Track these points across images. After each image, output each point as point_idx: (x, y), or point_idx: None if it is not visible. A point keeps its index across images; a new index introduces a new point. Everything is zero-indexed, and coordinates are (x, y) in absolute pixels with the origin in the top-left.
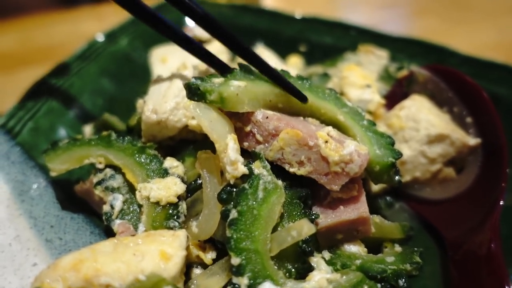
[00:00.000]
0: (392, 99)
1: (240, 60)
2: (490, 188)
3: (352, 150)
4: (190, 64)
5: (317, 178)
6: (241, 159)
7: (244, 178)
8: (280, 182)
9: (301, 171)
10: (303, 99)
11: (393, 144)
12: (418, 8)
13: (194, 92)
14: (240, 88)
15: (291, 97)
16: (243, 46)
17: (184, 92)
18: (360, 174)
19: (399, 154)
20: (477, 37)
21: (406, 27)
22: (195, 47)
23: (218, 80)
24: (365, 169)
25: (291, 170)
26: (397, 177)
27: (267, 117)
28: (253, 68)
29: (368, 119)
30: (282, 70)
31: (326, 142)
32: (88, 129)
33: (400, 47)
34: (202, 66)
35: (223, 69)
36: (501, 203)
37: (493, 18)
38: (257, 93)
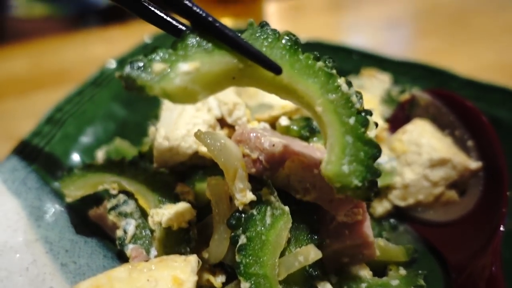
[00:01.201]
0: (395, 122)
1: None
2: (492, 211)
3: None
4: None
5: (322, 204)
6: (249, 186)
7: (252, 204)
8: (287, 208)
9: (307, 198)
10: (277, 70)
11: (376, 157)
12: (420, 29)
13: (131, 86)
14: (189, 77)
15: (261, 70)
16: (189, 9)
17: (195, 120)
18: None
19: (374, 174)
20: (477, 57)
21: (408, 48)
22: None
23: (159, 67)
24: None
25: (297, 196)
26: (368, 195)
27: (273, 145)
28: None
29: (360, 115)
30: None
31: None
32: (100, 154)
33: (402, 70)
34: (218, 96)
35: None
36: (502, 228)
37: (493, 38)
38: (215, 74)
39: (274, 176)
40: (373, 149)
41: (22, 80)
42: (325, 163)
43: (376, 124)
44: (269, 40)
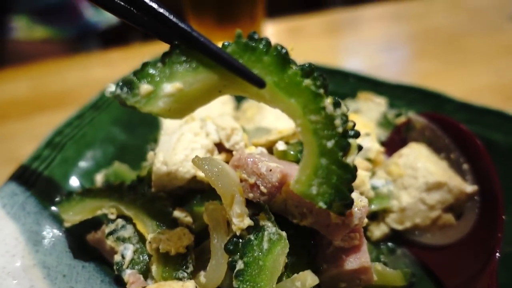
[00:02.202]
0: (391, 145)
1: None
2: (488, 235)
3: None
4: (198, 116)
5: (319, 229)
6: (246, 211)
7: (249, 229)
8: (284, 233)
9: (304, 222)
10: (260, 84)
11: (349, 182)
12: (416, 51)
13: (124, 104)
14: (172, 98)
15: (245, 83)
16: (175, 24)
17: (193, 144)
18: (361, 224)
19: (343, 199)
20: (474, 79)
21: (404, 70)
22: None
23: (145, 89)
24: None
25: (294, 221)
26: (345, 211)
27: (270, 170)
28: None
29: (341, 138)
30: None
31: None
32: (99, 178)
33: (397, 94)
34: (216, 121)
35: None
36: (497, 254)
37: (489, 60)
38: (199, 91)
39: (272, 201)
40: (348, 174)
41: (23, 102)
42: (294, 182)
43: (360, 148)
44: (256, 53)
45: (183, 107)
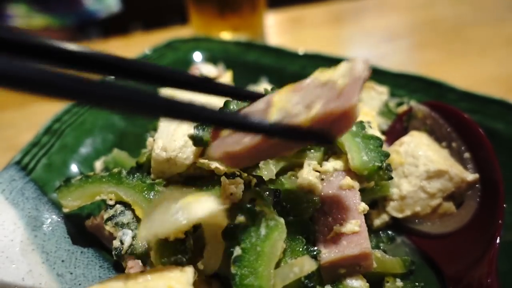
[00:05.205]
0: (392, 134)
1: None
2: (488, 223)
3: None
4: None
5: (323, 126)
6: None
7: (247, 215)
8: (281, 219)
9: (312, 114)
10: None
11: (381, 145)
12: (418, 42)
13: (199, 142)
14: None
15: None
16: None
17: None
18: (363, 210)
19: (386, 156)
20: (476, 69)
21: (407, 60)
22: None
23: None
24: (358, 179)
25: (301, 119)
26: (388, 174)
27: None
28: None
29: (356, 122)
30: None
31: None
32: (98, 165)
33: (400, 83)
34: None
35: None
36: (498, 241)
37: (491, 50)
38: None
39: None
40: (376, 140)
41: None
42: (351, 160)
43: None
44: None
45: None
